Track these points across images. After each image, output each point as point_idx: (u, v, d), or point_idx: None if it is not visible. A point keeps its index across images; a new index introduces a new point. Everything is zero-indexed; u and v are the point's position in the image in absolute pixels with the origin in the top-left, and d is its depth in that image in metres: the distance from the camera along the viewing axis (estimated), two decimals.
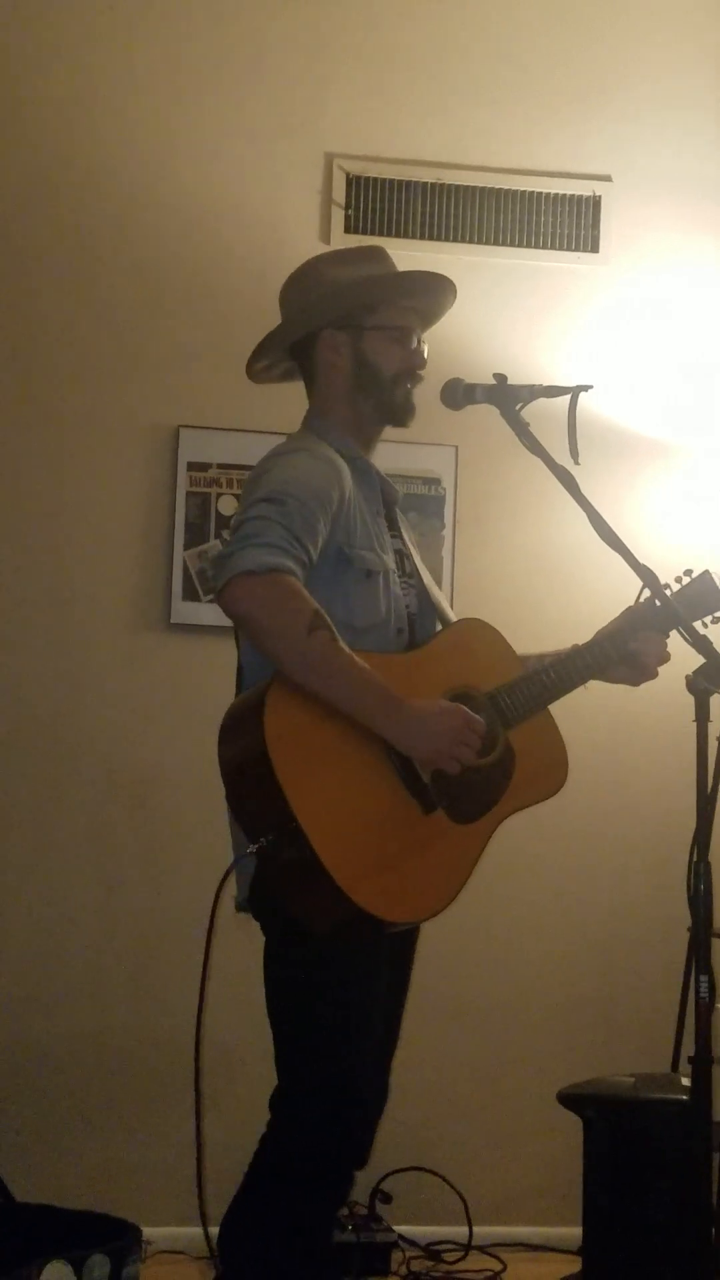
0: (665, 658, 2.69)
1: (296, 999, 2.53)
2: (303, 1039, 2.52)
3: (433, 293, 2.74)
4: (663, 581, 2.61)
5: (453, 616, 2.77)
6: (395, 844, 2.43)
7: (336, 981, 2.48)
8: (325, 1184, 2.53)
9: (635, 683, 2.74)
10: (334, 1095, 2.49)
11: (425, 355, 2.71)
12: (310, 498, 2.48)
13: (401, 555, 2.73)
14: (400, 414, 2.70)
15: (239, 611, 2.40)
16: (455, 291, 2.76)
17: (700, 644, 2.47)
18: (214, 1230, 2.55)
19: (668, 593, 2.64)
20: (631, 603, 2.72)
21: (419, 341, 2.71)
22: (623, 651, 2.69)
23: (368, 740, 2.43)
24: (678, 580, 2.72)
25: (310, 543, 2.46)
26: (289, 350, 2.77)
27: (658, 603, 2.62)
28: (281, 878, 2.43)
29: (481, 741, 2.50)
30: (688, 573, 2.73)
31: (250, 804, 2.42)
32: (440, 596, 2.79)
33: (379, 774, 2.45)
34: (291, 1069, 2.53)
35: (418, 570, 2.75)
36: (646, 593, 2.61)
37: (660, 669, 2.71)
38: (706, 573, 2.72)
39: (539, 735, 2.66)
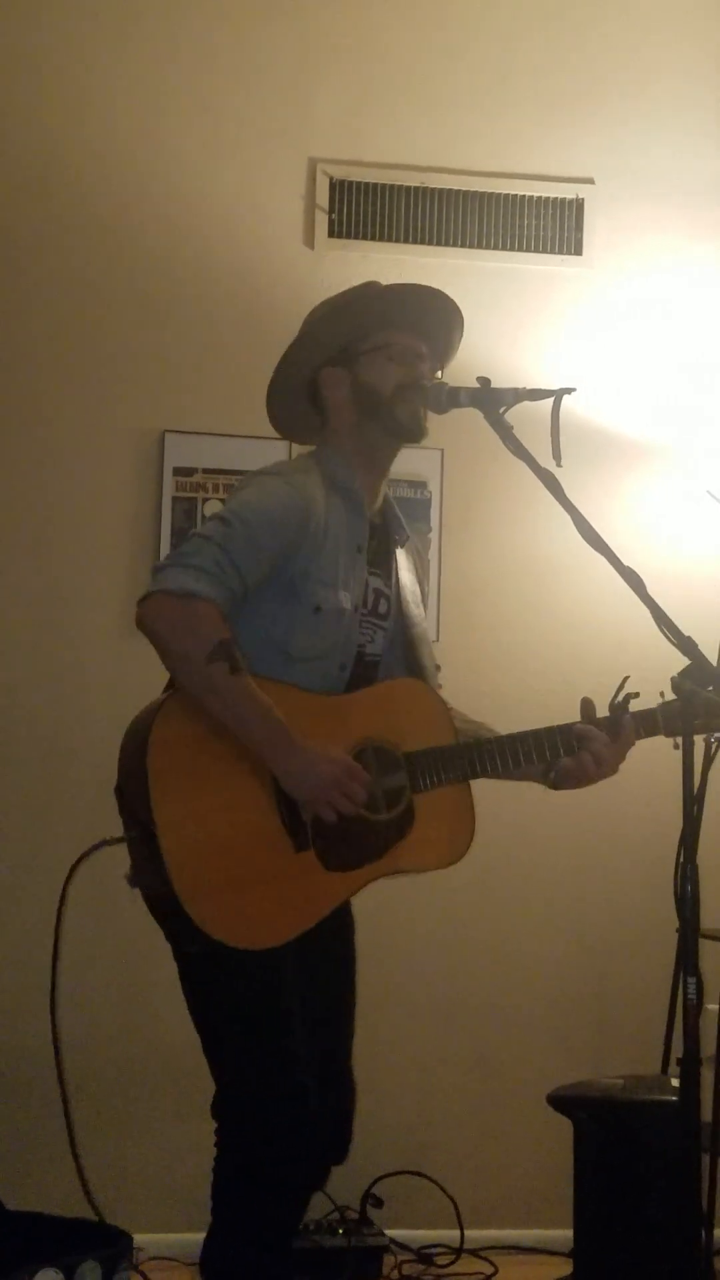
0: (611, 763, 2.64)
1: (204, 1000, 2.57)
2: (223, 1039, 2.55)
3: (419, 304, 2.72)
4: (623, 690, 2.61)
5: (428, 666, 2.76)
6: (250, 869, 2.47)
7: (235, 979, 2.50)
8: (278, 1180, 2.53)
9: (580, 780, 2.67)
10: (261, 1091, 2.50)
11: (428, 369, 2.70)
12: (262, 524, 2.52)
13: (379, 595, 2.72)
14: (405, 430, 2.69)
15: (147, 628, 2.49)
16: (450, 303, 2.74)
17: (685, 646, 2.47)
18: (183, 1238, 2.57)
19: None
20: (634, 607, 2.67)
21: (424, 358, 2.70)
22: (569, 741, 2.64)
23: (256, 769, 2.49)
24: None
25: (246, 569, 2.50)
26: (310, 401, 2.77)
27: (618, 703, 2.60)
28: (144, 879, 2.51)
29: (364, 797, 2.52)
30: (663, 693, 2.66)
31: (124, 798, 2.53)
32: (420, 645, 2.76)
33: (257, 801, 2.49)
34: (218, 1069, 2.57)
35: (398, 613, 2.74)
36: (619, 697, 2.61)
37: (631, 748, 2.66)
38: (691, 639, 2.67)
39: (449, 807, 2.65)
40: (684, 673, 2.57)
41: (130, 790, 2.50)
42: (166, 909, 2.48)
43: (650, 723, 2.65)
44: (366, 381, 2.68)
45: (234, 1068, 2.54)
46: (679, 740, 2.46)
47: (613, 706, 2.67)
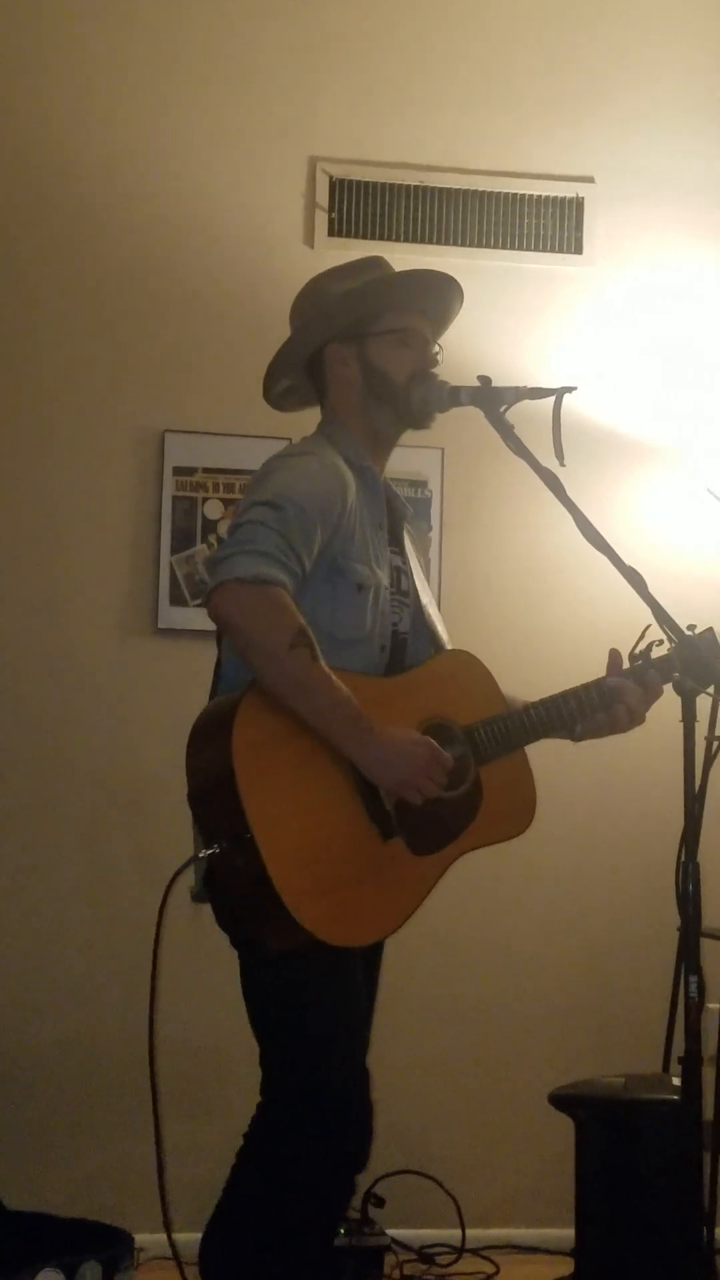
0: (640, 707, 2.67)
1: (277, 1008, 2.52)
2: (291, 1048, 2.51)
3: (433, 291, 2.72)
4: (644, 639, 2.64)
5: (446, 639, 2.76)
6: (348, 867, 2.43)
7: (314, 987, 2.47)
8: (328, 1191, 2.52)
9: (616, 730, 2.71)
10: (328, 1102, 2.48)
11: (437, 356, 2.70)
12: (310, 505, 2.47)
13: (400, 572, 2.71)
14: (417, 416, 2.68)
15: (224, 617, 2.41)
16: (459, 289, 2.74)
17: (687, 644, 2.47)
18: (181, 1238, 2.54)
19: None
20: (636, 606, 2.69)
21: (430, 342, 2.70)
22: (605, 696, 2.67)
23: (336, 761, 2.44)
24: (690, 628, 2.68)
25: (305, 552, 2.45)
26: (305, 371, 2.75)
27: (640, 650, 2.63)
28: (232, 887, 2.43)
29: (448, 776, 2.50)
30: (691, 627, 2.70)
31: (209, 808, 2.43)
32: (436, 619, 2.77)
33: (342, 795, 2.45)
34: (281, 1078, 2.53)
35: (414, 589, 2.74)
36: (640, 646, 2.64)
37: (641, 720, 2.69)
38: (710, 630, 2.69)
39: (511, 775, 2.66)
40: (684, 671, 2.57)
41: (216, 800, 2.39)
42: (262, 913, 2.39)
43: (669, 668, 2.65)
44: (378, 365, 2.66)
45: (297, 1081, 2.50)
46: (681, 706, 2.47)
47: (633, 656, 2.69)
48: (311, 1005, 2.49)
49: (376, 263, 2.77)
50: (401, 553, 2.74)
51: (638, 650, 2.69)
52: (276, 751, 2.40)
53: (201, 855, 2.40)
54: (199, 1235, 2.60)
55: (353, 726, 2.41)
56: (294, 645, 2.37)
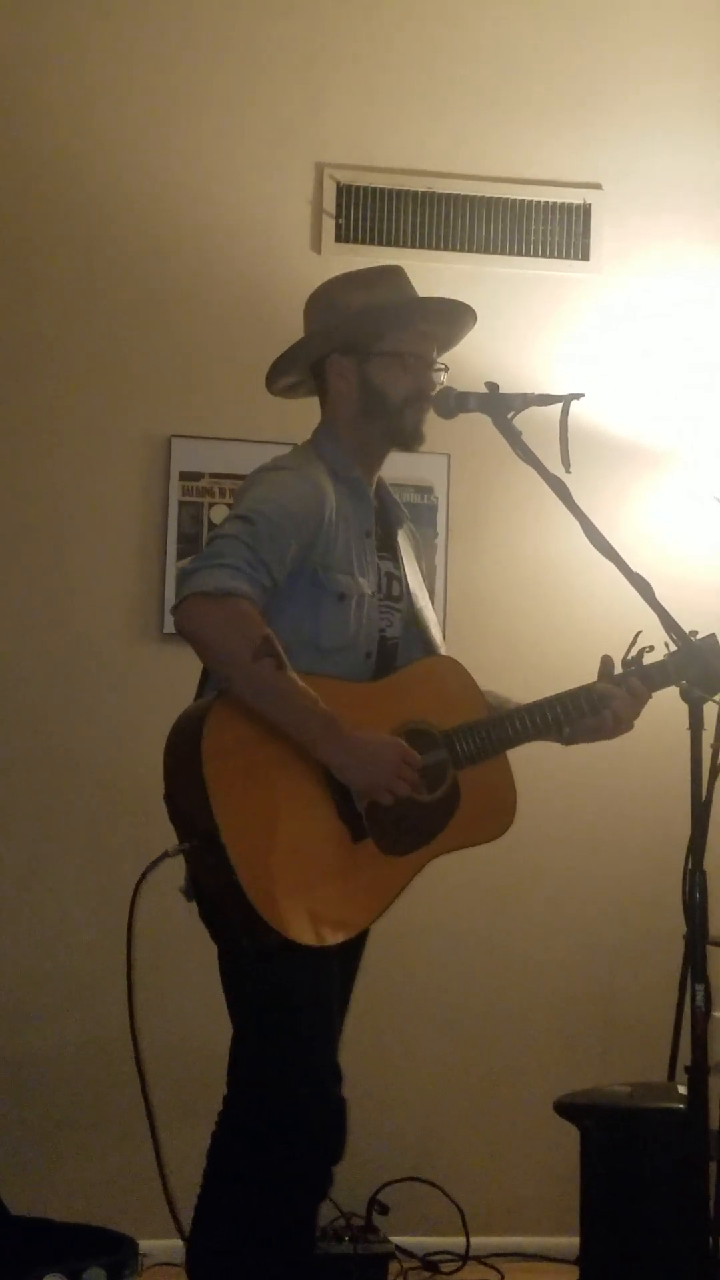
0: (630, 713, 2.68)
1: (251, 1003, 2.57)
2: (265, 1039, 2.55)
3: (447, 319, 2.74)
4: (635, 645, 2.65)
5: (440, 644, 2.79)
6: (316, 867, 2.48)
7: (286, 981, 2.50)
8: (299, 1183, 2.54)
9: (607, 735, 2.72)
10: (293, 1099, 2.51)
11: (439, 379, 2.70)
12: (281, 517, 2.51)
13: (391, 578, 2.73)
14: (408, 439, 2.71)
15: (189, 630, 2.46)
16: (473, 315, 2.75)
17: (692, 650, 2.47)
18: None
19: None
20: (643, 613, 2.69)
21: (434, 365, 2.70)
22: (594, 702, 2.68)
23: (308, 764, 2.48)
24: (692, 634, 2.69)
25: (276, 564, 2.50)
26: (310, 368, 2.77)
27: (632, 656, 2.65)
28: (205, 886, 2.51)
29: (419, 777, 2.53)
30: (693, 633, 2.70)
31: (180, 808, 2.49)
32: (431, 623, 2.79)
33: (313, 797, 2.49)
34: (249, 1074, 2.57)
35: (408, 594, 2.76)
36: (632, 652, 2.65)
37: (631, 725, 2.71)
38: (713, 635, 2.69)
39: (491, 779, 2.68)
40: (693, 679, 2.56)
41: (186, 801, 2.46)
42: (232, 912, 2.44)
43: (663, 675, 2.68)
44: (376, 384, 2.68)
45: (272, 1071, 2.54)
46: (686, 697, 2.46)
47: (625, 663, 2.70)
48: (283, 1003, 2.53)
49: (394, 273, 2.77)
50: (394, 558, 2.76)
51: (629, 657, 2.70)
52: (247, 755, 2.45)
53: (170, 852, 2.47)
54: None
55: (322, 730, 2.45)
56: (258, 655, 2.41)
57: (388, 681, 2.65)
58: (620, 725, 2.70)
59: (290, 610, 2.54)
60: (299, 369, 2.78)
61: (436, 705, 2.65)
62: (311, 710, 2.44)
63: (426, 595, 2.83)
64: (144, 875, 2.49)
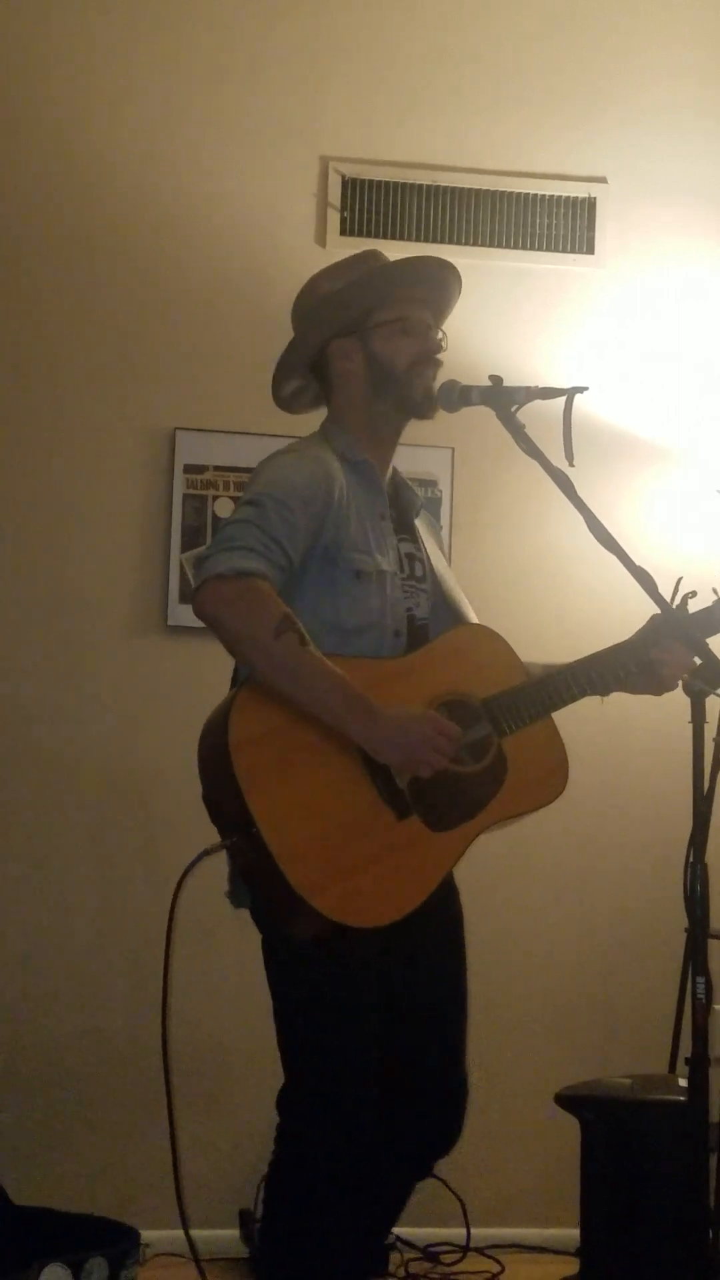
0: (688, 666, 2.63)
1: (287, 998, 2.55)
2: (297, 1037, 2.54)
3: (429, 278, 2.72)
4: (679, 592, 2.61)
5: (473, 621, 2.76)
6: (361, 849, 2.43)
7: (321, 980, 2.49)
8: (338, 1181, 2.52)
9: (657, 692, 2.69)
10: (329, 1093, 2.50)
11: (441, 342, 2.69)
12: (290, 497, 2.50)
13: (413, 559, 2.71)
14: (421, 406, 2.67)
15: (208, 614, 2.43)
16: (456, 274, 2.73)
17: (697, 646, 2.47)
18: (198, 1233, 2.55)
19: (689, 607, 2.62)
20: (647, 606, 2.69)
21: (432, 329, 2.69)
22: (642, 661, 2.65)
23: (342, 744, 2.44)
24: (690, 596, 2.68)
25: (288, 543, 2.48)
26: (311, 371, 2.77)
27: (677, 605, 2.60)
28: (250, 883, 2.46)
29: (456, 748, 2.49)
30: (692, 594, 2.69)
31: (217, 803, 2.45)
32: (462, 602, 2.77)
33: (351, 778, 2.45)
34: (290, 1067, 2.56)
35: (432, 575, 2.73)
36: (676, 599, 2.60)
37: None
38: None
39: (537, 743, 2.63)
40: (695, 672, 2.57)
41: (221, 798, 2.42)
42: (279, 904, 2.41)
43: (712, 621, 2.64)
44: (380, 355, 2.66)
45: (304, 1070, 2.53)
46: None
47: (664, 609, 2.62)
48: (314, 1001, 2.51)
49: (370, 256, 2.76)
50: (413, 540, 2.74)
51: (675, 604, 2.64)
52: (277, 743, 2.41)
53: (210, 849, 2.41)
54: (207, 1232, 2.61)
55: (351, 707, 2.41)
56: (279, 633, 2.38)
57: (419, 655, 2.60)
58: (669, 682, 2.66)
59: (308, 594, 2.51)
60: (300, 372, 2.77)
61: (473, 674, 2.60)
62: (338, 687, 2.40)
63: (454, 578, 2.80)
64: (186, 872, 2.42)
